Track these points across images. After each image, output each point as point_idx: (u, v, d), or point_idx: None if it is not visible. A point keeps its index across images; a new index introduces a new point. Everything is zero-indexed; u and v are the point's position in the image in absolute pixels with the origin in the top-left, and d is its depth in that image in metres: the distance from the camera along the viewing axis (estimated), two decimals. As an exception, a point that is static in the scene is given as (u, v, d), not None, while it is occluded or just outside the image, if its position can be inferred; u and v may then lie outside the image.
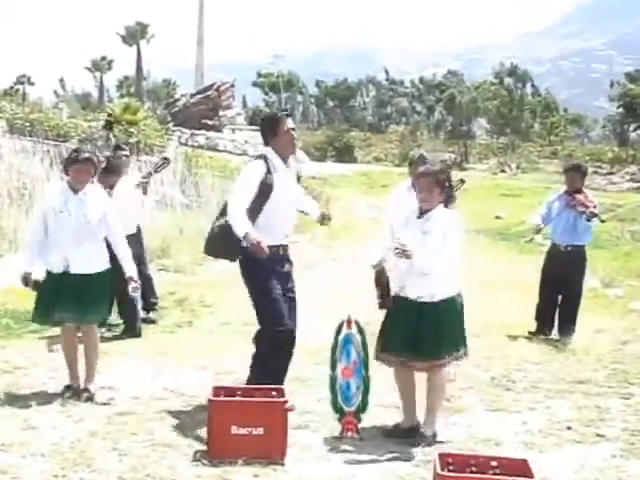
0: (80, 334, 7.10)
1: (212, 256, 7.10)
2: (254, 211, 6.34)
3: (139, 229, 10.00)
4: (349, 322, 6.19)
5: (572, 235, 9.86)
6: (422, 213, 6.11)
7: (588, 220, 9.64)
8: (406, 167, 8.96)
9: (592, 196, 10.05)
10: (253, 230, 6.09)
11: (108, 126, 10.11)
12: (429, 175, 6.10)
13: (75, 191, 6.84)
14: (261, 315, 6.46)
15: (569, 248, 9.89)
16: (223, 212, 6.54)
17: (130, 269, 6.99)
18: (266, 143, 6.63)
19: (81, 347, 7.12)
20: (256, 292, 6.49)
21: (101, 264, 6.93)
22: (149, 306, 10.30)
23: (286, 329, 6.41)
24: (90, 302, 6.86)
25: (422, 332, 5.98)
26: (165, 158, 10.80)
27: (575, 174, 10.03)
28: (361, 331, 6.16)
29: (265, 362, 6.45)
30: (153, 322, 10.14)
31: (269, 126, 6.64)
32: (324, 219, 6.90)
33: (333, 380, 6.24)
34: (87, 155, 6.87)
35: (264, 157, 6.55)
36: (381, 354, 6.20)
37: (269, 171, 6.46)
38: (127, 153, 10.55)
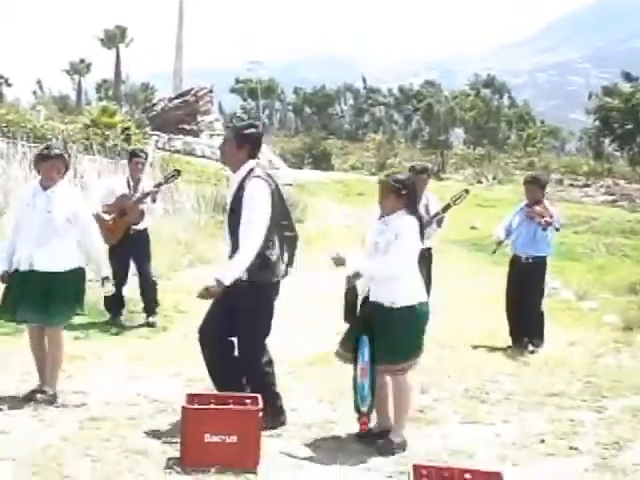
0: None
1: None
2: None
3: (147, 232, 10.48)
4: None
5: (531, 246, 9.91)
6: (382, 217, 6.23)
7: (544, 229, 9.70)
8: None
9: (551, 207, 10.10)
10: None
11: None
12: (383, 182, 6.27)
13: (45, 188, 6.80)
14: None
15: (529, 260, 9.95)
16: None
17: (105, 270, 7.00)
18: None
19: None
20: None
21: (68, 263, 6.79)
22: (151, 310, 10.52)
23: (199, 328, 6.43)
24: (54, 303, 6.73)
25: (378, 335, 6.00)
26: (177, 170, 11.06)
27: (534, 186, 10.09)
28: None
29: None
30: (153, 326, 10.32)
31: None
32: None
33: (355, 380, 6.24)
34: (57, 151, 6.84)
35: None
36: (339, 350, 6.38)
37: None
38: (143, 161, 10.57)
